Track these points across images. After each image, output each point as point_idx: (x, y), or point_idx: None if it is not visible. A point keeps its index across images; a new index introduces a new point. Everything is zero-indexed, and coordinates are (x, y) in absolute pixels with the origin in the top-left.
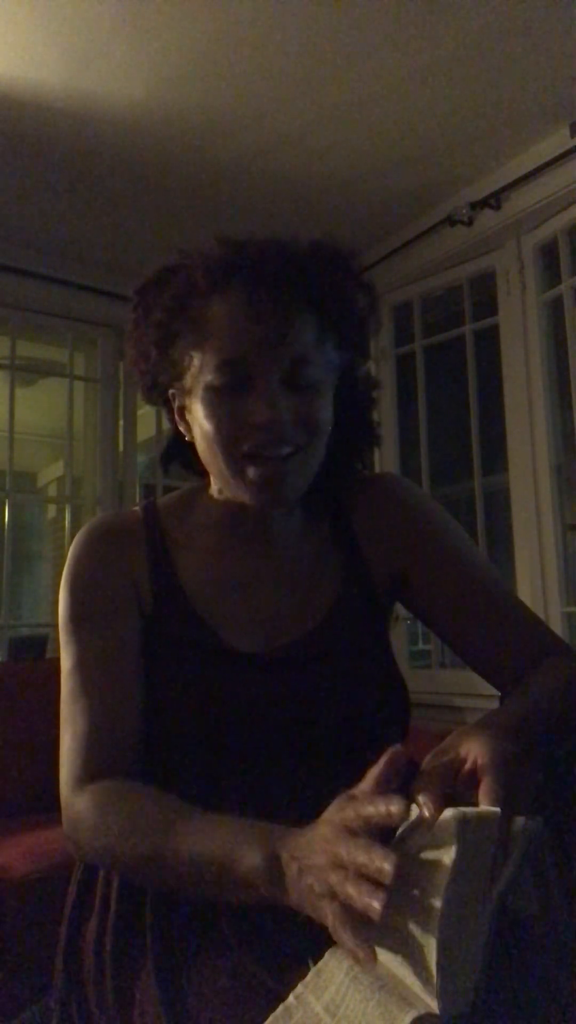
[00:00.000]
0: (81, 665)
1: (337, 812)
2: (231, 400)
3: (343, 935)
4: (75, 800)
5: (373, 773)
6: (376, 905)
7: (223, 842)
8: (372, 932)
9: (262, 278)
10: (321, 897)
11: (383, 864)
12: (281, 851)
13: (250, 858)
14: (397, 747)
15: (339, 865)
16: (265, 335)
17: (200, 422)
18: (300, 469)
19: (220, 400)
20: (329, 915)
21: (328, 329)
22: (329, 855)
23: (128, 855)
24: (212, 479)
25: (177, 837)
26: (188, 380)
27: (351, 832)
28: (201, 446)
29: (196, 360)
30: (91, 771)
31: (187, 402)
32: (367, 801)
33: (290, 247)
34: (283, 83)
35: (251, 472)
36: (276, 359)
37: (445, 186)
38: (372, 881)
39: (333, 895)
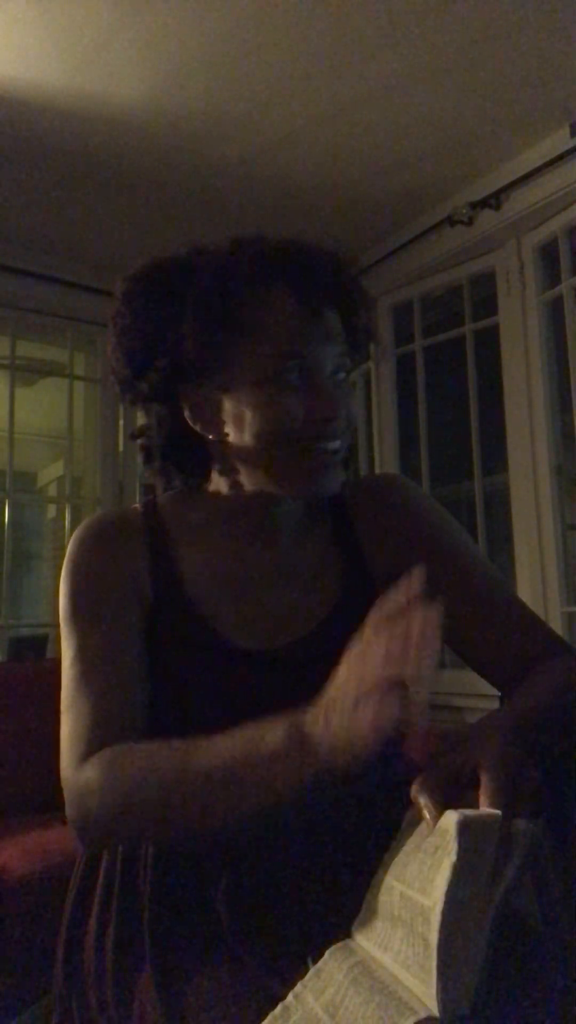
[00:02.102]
0: (83, 655)
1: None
2: (288, 393)
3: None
4: (79, 774)
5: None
6: (426, 660)
7: (246, 735)
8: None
9: (315, 277)
10: (350, 713)
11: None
12: (303, 716)
13: (273, 732)
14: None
15: (362, 679)
16: (321, 332)
17: (248, 415)
18: (343, 463)
19: (278, 392)
20: (369, 722)
21: (349, 332)
22: (348, 678)
23: (146, 796)
24: (244, 473)
25: (199, 752)
26: (226, 374)
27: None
28: (245, 439)
29: (242, 354)
30: (94, 752)
31: (218, 397)
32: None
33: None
34: (283, 83)
35: (305, 463)
36: (328, 356)
37: (445, 186)
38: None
39: (361, 704)
